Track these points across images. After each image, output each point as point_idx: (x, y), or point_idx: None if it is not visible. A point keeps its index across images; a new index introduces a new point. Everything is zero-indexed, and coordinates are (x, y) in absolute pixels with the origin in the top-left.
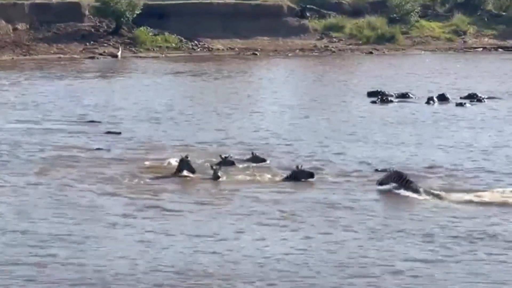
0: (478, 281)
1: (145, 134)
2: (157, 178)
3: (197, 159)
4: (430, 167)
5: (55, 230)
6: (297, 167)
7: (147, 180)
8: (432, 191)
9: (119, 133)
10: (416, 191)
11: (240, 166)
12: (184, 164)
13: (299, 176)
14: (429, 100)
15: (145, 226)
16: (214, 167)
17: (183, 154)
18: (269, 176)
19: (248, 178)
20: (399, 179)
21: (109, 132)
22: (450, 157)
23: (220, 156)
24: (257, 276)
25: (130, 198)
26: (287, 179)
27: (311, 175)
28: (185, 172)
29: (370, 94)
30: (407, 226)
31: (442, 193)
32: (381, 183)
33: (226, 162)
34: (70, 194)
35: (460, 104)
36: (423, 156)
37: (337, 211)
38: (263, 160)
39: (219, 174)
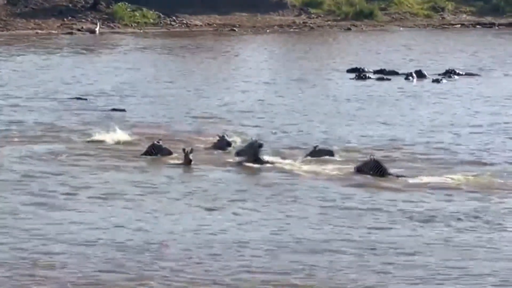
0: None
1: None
2: (117, 157)
3: (182, 140)
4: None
5: None
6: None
7: (106, 159)
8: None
9: (124, 110)
10: None
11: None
12: (157, 148)
13: (317, 155)
14: (408, 76)
15: (59, 206)
16: (186, 150)
17: (155, 140)
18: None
19: (224, 161)
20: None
21: (114, 110)
22: (399, 134)
23: (218, 135)
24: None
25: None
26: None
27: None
28: (159, 155)
29: (350, 71)
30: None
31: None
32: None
33: (224, 142)
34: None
35: (436, 81)
36: (372, 133)
37: (280, 191)
38: (260, 146)
39: (191, 157)
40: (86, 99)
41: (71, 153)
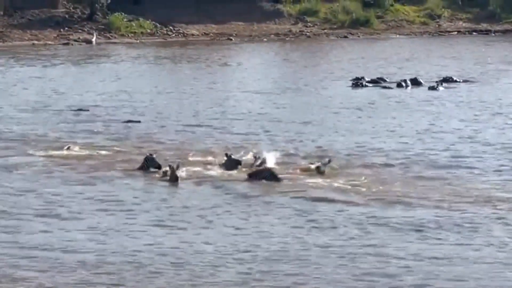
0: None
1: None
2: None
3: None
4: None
5: None
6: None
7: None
8: None
9: (139, 121)
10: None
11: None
12: (149, 161)
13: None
14: (403, 84)
15: None
16: (171, 166)
17: (148, 152)
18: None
19: (213, 175)
20: None
21: (129, 121)
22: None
23: (226, 154)
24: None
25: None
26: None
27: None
28: (151, 169)
29: (352, 80)
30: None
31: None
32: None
33: (231, 161)
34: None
35: (432, 88)
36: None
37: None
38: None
39: (177, 174)
40: (88, 110)
41: (49, 165)
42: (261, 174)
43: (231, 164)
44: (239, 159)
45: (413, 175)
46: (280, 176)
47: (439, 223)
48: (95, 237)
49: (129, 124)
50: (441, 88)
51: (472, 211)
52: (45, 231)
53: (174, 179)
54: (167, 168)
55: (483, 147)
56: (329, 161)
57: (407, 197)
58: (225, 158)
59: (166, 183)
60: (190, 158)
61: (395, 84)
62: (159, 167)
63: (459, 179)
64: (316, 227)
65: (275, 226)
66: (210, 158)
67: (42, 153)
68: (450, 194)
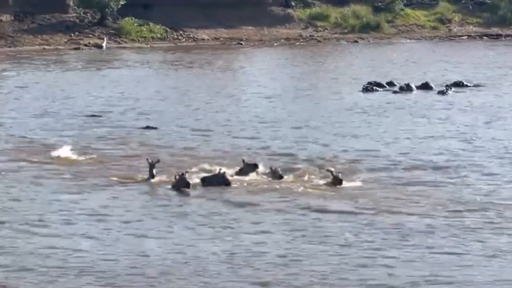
0: None
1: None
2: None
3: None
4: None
5: None
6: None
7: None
8: None
9: (156, 128)
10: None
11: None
12: (151, 167)
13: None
14: (403, 87)
15: None
16: (178, 174)
17: (152, 160)
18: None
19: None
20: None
21: (147, 127)
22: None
23: (243, 160)
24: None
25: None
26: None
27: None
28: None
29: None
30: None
31: None
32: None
33: (249, 167)
34: None
35: (441, 92)
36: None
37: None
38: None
39: (188, 179)
40: (100, 116)
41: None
42: (214, 179)
43: (248, 169)
44: (256, 162)
45: (412, 181)
46: (231, 180)
47: (435, 229)
48: (93, 244)
49: (146, 130)
50: (450, 92)
51: (470, 217)
52: (43, 238)
53: (185, 186)
54: (172, 177)
55: (486, 152)
56: (325, 170)
57: (404, 203)
58: (242, 163)
59: (174, 191)
60: (200, 166)
61: (402, 89)
62: (152, 176)
63: (457, 185)
64: (313, 234)
65: (272, 234)
66: (223, 164)
67: (56, 159)
68: (447, 200)
